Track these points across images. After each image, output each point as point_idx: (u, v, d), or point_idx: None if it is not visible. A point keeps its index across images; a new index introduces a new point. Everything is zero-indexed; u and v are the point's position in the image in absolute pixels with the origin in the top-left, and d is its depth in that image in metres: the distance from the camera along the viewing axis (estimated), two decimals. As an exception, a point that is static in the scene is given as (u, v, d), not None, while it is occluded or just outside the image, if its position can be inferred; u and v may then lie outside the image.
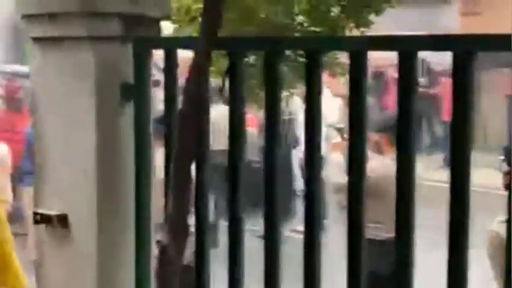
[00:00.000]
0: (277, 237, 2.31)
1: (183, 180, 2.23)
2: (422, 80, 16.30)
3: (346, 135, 2.28)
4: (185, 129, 2.21)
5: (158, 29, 2.74)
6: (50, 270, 2.80)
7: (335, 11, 3.00)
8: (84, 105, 2.57)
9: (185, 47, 2.43)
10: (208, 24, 2.21)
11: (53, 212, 2.72)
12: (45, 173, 2.78)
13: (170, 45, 2.53)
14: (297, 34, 5.22)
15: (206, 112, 2.35)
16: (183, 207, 2.22)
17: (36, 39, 2.72)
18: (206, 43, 2.21)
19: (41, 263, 2.84)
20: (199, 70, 2.22)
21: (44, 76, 2.73)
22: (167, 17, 2.75)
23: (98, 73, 2.54)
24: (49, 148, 2.75)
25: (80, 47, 2.56)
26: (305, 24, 3.17)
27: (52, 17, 2.60)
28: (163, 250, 2.24)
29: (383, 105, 16.35)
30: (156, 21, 2.71)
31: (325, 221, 8.19)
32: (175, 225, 2.23)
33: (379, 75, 17.02)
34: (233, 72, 2.33)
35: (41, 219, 2.75)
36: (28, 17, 2.72)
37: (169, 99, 2.50)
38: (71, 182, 2.68)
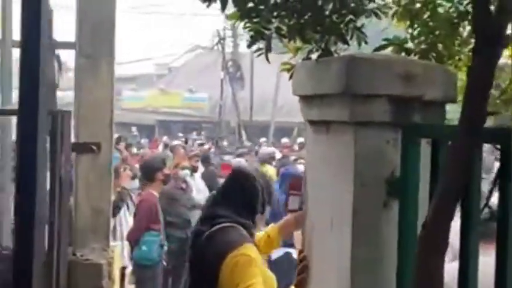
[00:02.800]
0: None
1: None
2: None
3: None
4: (429, 240, 1.72)
5: (442, 114, 2.27)
6: None
7: None
8: (341, 199, 2.23)
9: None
10: (472, 110, 1.70)
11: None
12: (310, 266, 2.51)
13: (441, 135, 2.05)
14: None
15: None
16: None
17: (310, 122, 2.50)
18: (466, 135, 1.70)
19: None
20: (456, 169, 1.71)
21: (312, 160, 2.49)
22: (453, 100, 2.27)
23: (360, 164, 2.18)
24: (313, 237, 2.48)
25: (343, 132, 2.24)
26: None
27: (321, 99, 2.35)
28: None
29: None
30: (438, 105, 2.25)
31: None
32: None
33: None
34: (507, 172, 1.76)
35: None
36: (303, 99, 2.52)
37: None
38: (329, 283, 2.34)
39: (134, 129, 29.56)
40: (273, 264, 8.15)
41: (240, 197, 3.31)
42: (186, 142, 17.55)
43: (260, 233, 3.62)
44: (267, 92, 30.11)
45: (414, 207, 2.12)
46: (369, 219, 2.18)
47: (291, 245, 6.97)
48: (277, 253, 7.76)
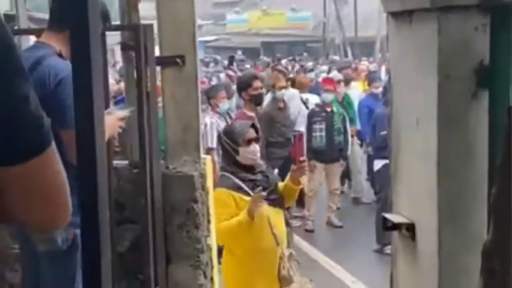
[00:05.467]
0: None
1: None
2: None
3: None
4: None
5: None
6: (400, 277, 2.43)
7: None
8: (427, 92, 2.08)
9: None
10: None
11: (401, 219, 2.33)
12: (397, 171, 2.39)
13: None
14: None
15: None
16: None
17: (392, 14, 2.34)
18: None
19: (395, 266, 2.48)
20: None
21: (397, 55, 2.34)
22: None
23: (444, 53, 2.02)
24: (400, 140, 2.35)
25: (426, 19, 2.07)
26: None
27: (403, -13, 2.18)
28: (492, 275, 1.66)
29: None
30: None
31: None
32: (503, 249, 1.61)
33: None
34: None
35: (391, 225, 2.37)
36: (385, -10, 2.35)
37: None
38: (416, 185, 2.23)
39: (239, 52, 29.63)
40: (375, 175, 8.21)
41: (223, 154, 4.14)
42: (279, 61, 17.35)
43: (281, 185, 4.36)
44: (372, 5, 29.15)
45: (506, 97, 1.95)
46: (456, 112, 2.03)
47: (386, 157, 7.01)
48: (377, 165, 7.75)
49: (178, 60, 3.28)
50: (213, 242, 3.45)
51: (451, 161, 2.05)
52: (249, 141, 4.13)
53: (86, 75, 1.27)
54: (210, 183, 3.44)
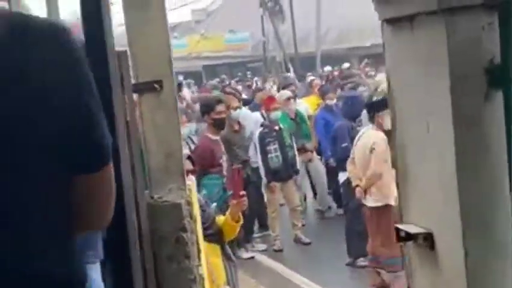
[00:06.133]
0: None
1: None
2: None
3: None
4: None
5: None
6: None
7: None
8: (438, 96, 2.03)
9: None
10: None
11: (416, 229, 2.26)
12: (406, 179, 2.33)
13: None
14: None
15: None
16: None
17: (388, 21, 2.29)
18: None
19: (412, 280, 2.40)
20: None
21: (396, 62, 2.28)
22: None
23: (454, 55, 1.97)
24: (408, 148, 2.29)
25: (431, 23, 2.03)
26: None
27: (401, -9, 2.13)
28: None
29: None
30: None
31: None
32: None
33: None
34: None
35: (406, 236, 2.30)
36: (378, -4, 2.30)
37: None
38: (432, 191, 2.17)
39: (181, 78, 29.48)
40: (340, 187, 8.22)
41: None
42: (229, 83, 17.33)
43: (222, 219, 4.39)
44: (309, 21, 29.55)
45: (523, 95, 1.91)
46: (470, 113, 1.99)
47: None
48: (342, 178, 7.78)
49: (156, 85, 3.17)
50: (204, 271, 3.32)
51: (470, 164, 2.00)
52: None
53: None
54: (196, 210, 3.33)
